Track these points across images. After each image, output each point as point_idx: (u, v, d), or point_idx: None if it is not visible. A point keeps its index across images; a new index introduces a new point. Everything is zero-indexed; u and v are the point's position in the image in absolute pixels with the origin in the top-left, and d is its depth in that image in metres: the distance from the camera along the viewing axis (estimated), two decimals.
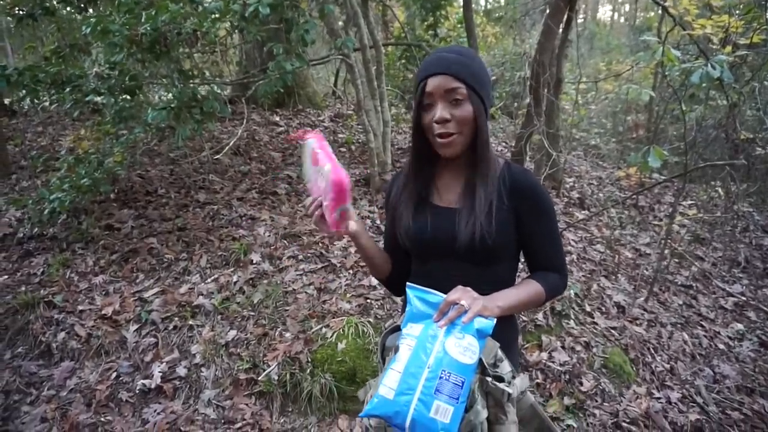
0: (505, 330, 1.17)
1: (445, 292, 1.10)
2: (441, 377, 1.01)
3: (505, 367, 1.16)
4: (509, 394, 1.12)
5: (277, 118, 5.81)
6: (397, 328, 1.25)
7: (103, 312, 2.85)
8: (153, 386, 2.51)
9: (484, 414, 1.09)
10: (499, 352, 1.15)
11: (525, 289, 1.21)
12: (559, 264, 1.29)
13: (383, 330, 1.29)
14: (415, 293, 1.13)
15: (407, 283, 1.14)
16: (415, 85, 1.21)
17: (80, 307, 2.90)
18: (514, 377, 1.18)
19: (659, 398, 2.69)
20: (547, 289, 1.23)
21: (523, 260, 1.34)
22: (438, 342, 1.05)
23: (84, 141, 4.26)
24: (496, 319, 1.08)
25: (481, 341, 1.06)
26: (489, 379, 1.10)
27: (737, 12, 4.01)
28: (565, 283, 1.31)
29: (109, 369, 2.62)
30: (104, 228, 3.53)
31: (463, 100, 1.15)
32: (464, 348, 1.04)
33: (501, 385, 1.10)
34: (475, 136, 1.19)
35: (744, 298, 3.81)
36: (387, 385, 1.03)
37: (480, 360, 1.07)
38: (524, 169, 1.31)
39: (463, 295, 1.08)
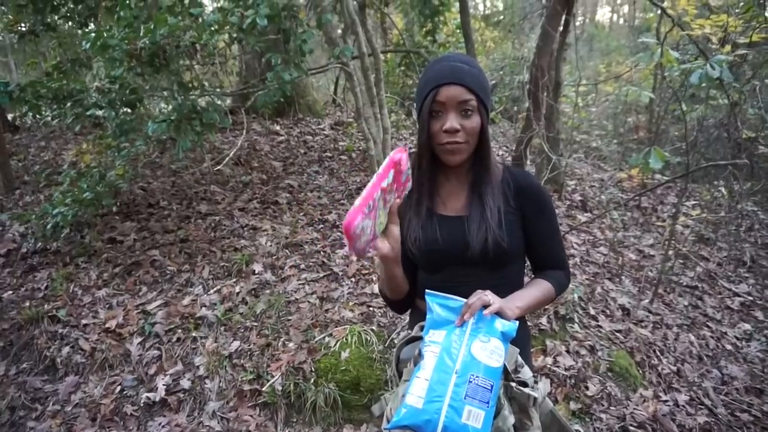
0: (520, 334, 1.18)
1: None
2: (470, 381, 1.00)
3: (527, 372, 1.16)
4: (535, 399, 1.12)
5: (278, 128, 5.83)
6: (412, 340, 1.25)
7: (106, 325, 2.86)
8: (157, 399, 2.51)
9: (512, 420, 1.09)
10: (519, 358, 1.16)
11: (538, 288, 1.26)
12: (563, 261, 1.35)
13: (398, 341, 1.29)
14: (435, 300, 1.12)
15: (426, 291, 1.14)
16: (421, 91, 1.21)
17: (84, 321, 2.91)
18: (536, 382, 1.19)
19: (666, 401, 2.66)
20: (556, 286, 1.29)
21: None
22: (464, 346, 1.04)
23: (86, 155, 4.29)
24: (518, 323, 1.09)
25: (505, 344, 1.06)
26: (513, 384, 1.11)
27: (736, 11, 4.01)
28: (569, 278, 1.37)
29: (113, 382, 2.62)
30: (107, 241, 3.55)
31: (473, 112, 1.17)
32: (491, 351, 1.03)
33: (527, 390, 1.11)
34: (480, 145, 1.22)
35: (751, 298, 3.78)
36: (415, 394, 1.01)
37: (503, 366, 1.07)
38: (525, 171, 1.35)
39: (482, 294, 1.10)
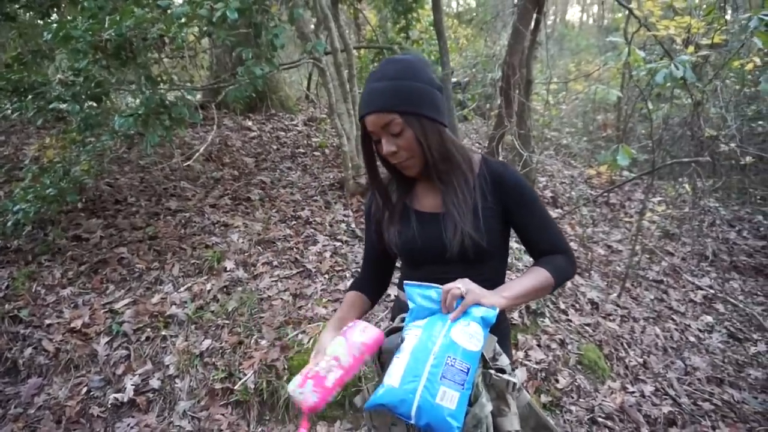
0: (500, 325, 1.18)
1: None
2: (446, 363, 1.00)
3: (505, 360, 1.17)
4: (513, 384, 1.13)
5: (250, 123, 5.75)
6: (393, 331, 1.25)
7: (72, 325, 2.77)
8: (126, 400, 2.45)
9: (489, 407, 1.10)
10: (497, 347, 1.16)
11: (530, 276, 1.19)
12: (561, 245, 1.27)
13: None
14: (415, 290, 1.12)
15: (405, 282, 1.14)
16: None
17: (48, 321, 2.82)
18: (513, 369, 1.20)
19: (633, 392, 2.74)
20: (553, 272, 1.20)
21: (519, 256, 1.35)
22: (444, 330, 1.05)
23: (49, 150, 4.14)
24: (498, 309, 1.08)
25: (485, 329, 1.06)
26: (492, 371, 1.12)
27: (699, 13, 4.13)
28: (573, 263, 1.28)
29: (79, 384, 2.55)
30: (72, 239, 3.44)
31: (402, 129, 1.14)
32: (470, 335, 1.04)
33: (504, 376, 1.12)
34: (427, 153, 1.17)
35: (712, 291, 3.91)
36: (392, 374, 1.03)
37: (481, 354, 1.07)
38: (501, 162, 1.31)
39: (460, 282, 1.08)
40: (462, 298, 1.07)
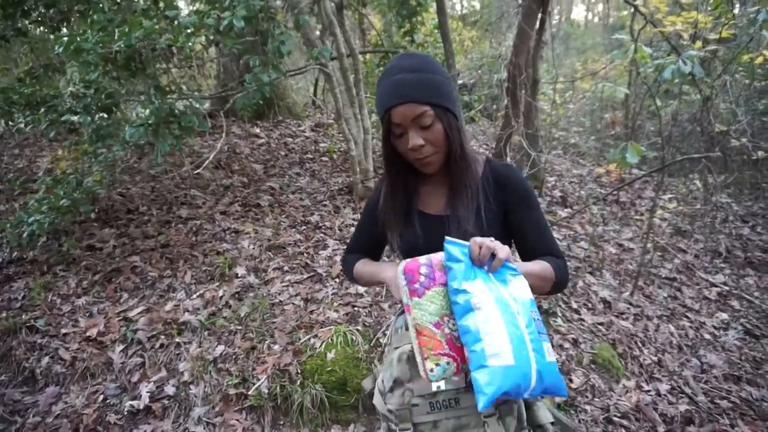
0: None
1: None
2: (534, 319, 0.96)
3: None
4: None
5: (258, 130, 5.79)
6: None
7: (87, 334, 2.80)
8: (141, 407, 2.47)
9: None
10: None
11: (534, 263, 1.18)
12: (556, 249, 1.26)
13: (382, 327, 1.31)
14: (457, 247, 1.02)
15: (446, 239, 1.02)
16: (378, 111, 1.18)
17: (64, 330, 2.85)
18: None
19: (649, 391, 2.72)
20: (554, 266, 1.19)
21: None
22: (505, 291, 0.99)
23: (62, 161, 4.20)
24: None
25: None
26: None
27: (706, 7, 4.11)
28: (567, 268, 1.25)
29: (95, 392, 2.58)
30: (86, 248, 3.48)
31: (433, 122, 1.12)
32: (522, 286, 1.01)
33: None
34: (451, 148, 1.18)
35: (727, 288, 3.87)
36: (501, 352, 0.90)
37: None
38: (505, 164, 1.31)
39: (488, 240, 1.03)
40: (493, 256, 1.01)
